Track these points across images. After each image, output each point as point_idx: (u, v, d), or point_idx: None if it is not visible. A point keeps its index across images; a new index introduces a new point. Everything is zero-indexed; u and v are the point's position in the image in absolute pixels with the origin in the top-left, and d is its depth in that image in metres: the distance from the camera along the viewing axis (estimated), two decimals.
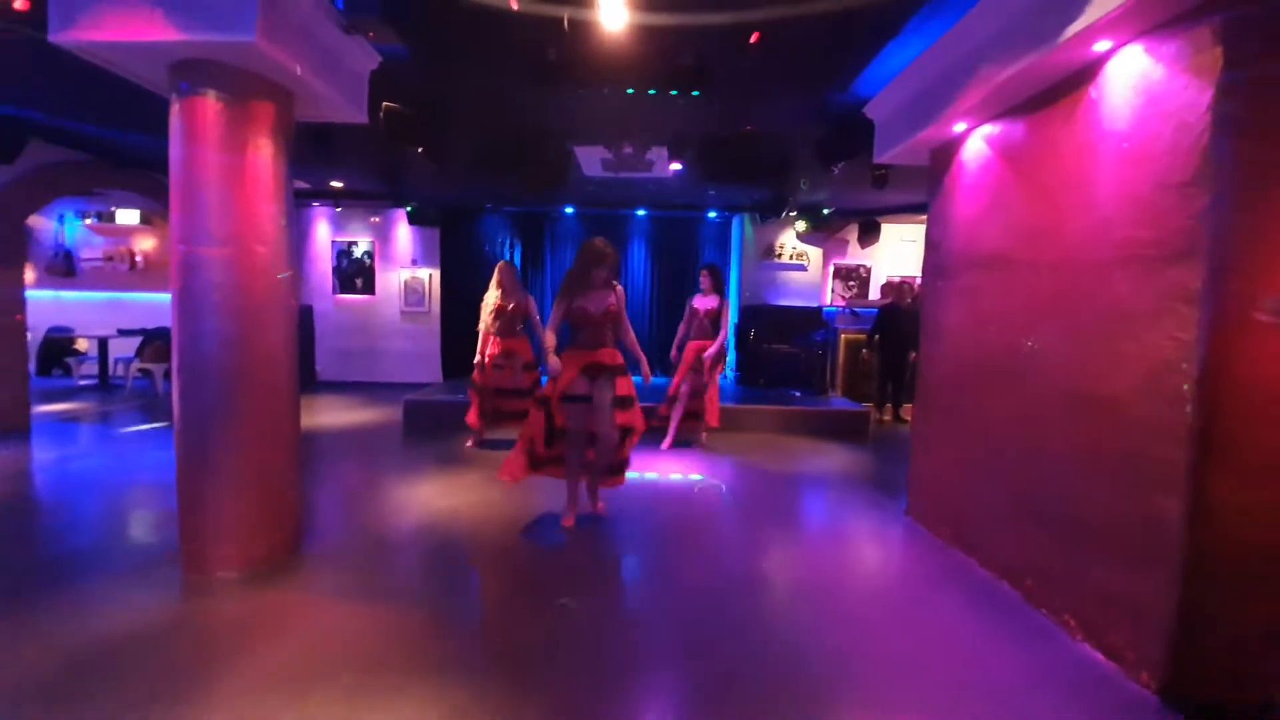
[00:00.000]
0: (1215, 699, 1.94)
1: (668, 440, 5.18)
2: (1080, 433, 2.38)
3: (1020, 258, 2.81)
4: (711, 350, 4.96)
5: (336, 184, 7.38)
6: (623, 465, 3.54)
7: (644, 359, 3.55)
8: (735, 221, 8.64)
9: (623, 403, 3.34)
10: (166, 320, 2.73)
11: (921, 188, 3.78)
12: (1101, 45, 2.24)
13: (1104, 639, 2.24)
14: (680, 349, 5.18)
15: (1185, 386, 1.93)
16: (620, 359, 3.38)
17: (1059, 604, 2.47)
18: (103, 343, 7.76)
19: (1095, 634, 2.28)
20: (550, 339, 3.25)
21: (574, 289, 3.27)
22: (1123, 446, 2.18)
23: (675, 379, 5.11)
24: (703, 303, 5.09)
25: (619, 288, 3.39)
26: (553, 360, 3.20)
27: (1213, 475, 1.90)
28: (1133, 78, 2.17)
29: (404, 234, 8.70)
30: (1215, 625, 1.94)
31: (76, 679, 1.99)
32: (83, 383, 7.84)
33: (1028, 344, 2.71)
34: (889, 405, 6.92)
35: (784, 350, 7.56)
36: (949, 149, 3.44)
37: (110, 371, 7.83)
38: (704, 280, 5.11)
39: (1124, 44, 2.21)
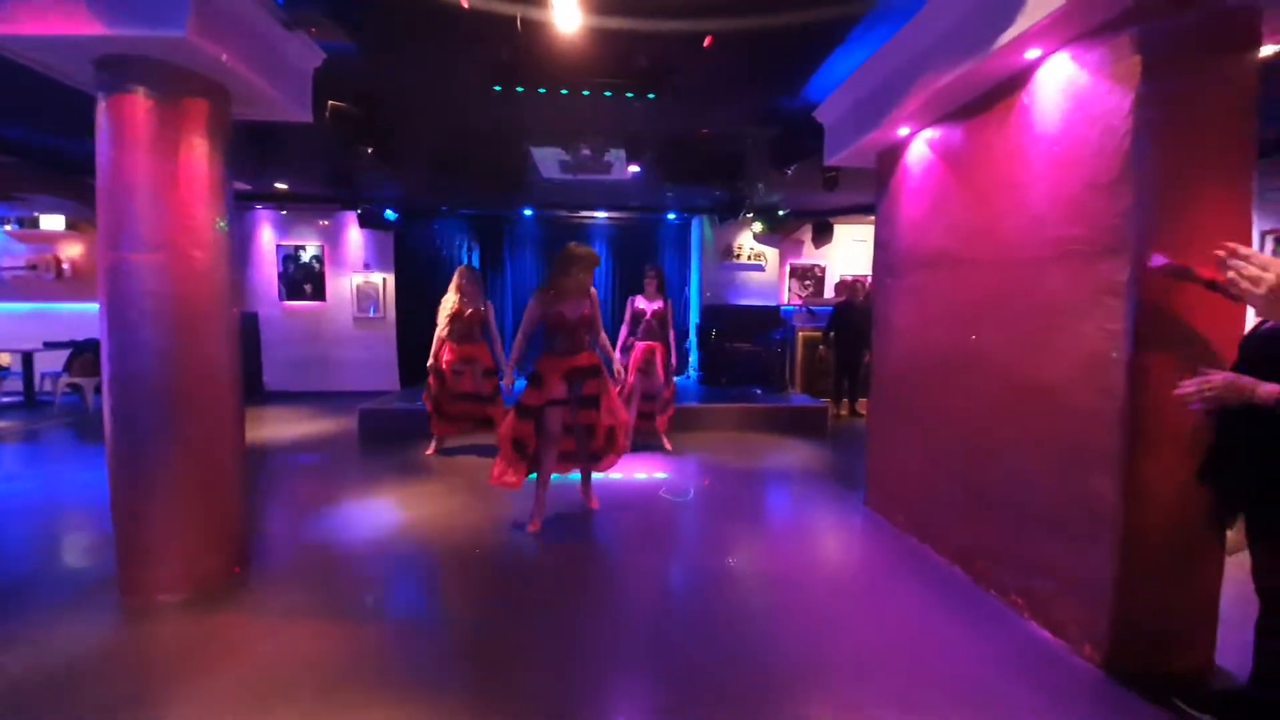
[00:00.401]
0: (1154, 668, 2.05)
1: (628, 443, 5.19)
2: (1023, 422, 2.50)
3: (962, 256, 2.92)
4: (674, 359, 5.14)
5: (281, 186, 7.10)
6: (599, 453, 3.61)
7: (617, 359, 3.74)
8: (694, 223, 8.72)
9: (599, 401, 3.39)
10: (96, 331, 2.57)
11: (870, 189, 3.89)
12: (1032, 53, 2.36)
13: (1050, 617, 2.35)
14: (626, 351, 5.16)
15: (1115, 375, 2.05)
16: (597, 360, 3.48)
17: (1008, 585, 2.57)
18: (27, 357, 7.28)
19: (1042, 613, 2.39)
20: (515, 352, 3.40)
21: (552, 294, 3.30)
22: (1062, 433, 2.29)
23: (627, 380, 5.09)
24: (649, 304, 5.11)
25: (594, 292, 3.43)
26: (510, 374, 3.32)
27: (1142, 458, 2.02)
28: (1061, 84, 2.29)
29: (355, 237, 8.42)
30: (1150, 597, 2.06)
31: (12, 716, 1.85)
32: (6, 400, 7.31)
33: (972, 338, 2.83)
34: (845, 400, 7.09)
35: (745, 349, 7.67)
36: (894, 152, 3.55)
37: (37, 387, 7.34)
38: (650, 283, 5.15)
39: (1052, 52, 2.33)
